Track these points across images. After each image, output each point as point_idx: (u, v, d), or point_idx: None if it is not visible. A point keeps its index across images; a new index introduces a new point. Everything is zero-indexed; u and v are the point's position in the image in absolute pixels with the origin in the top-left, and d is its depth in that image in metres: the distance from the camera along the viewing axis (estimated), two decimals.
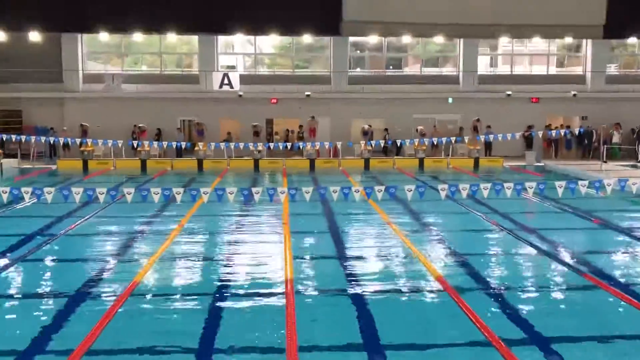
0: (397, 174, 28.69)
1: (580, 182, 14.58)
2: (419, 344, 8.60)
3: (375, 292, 10.86)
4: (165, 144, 31.27)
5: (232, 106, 37.31)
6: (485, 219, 17.39)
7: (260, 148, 31.82)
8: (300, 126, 37.36)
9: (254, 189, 14.35)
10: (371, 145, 31.59)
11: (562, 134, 31.35)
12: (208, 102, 37.09)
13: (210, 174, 29.19)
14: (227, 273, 12.08)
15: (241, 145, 30.82)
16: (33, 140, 30.50)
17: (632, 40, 38.76)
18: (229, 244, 14.58)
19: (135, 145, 32.23)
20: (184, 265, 12.62)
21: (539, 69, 39.92)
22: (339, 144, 32.55)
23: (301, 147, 33.21)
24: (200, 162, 31.94)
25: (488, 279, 11.69)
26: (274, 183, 25.94)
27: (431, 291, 10.87)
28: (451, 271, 12.13)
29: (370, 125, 36.94)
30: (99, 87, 36.49)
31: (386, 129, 37.44)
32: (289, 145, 32.39)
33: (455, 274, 11.95)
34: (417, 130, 36.47)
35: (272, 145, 32.68)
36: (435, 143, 30.81)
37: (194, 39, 37.44)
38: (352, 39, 37.51)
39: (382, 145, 32.27)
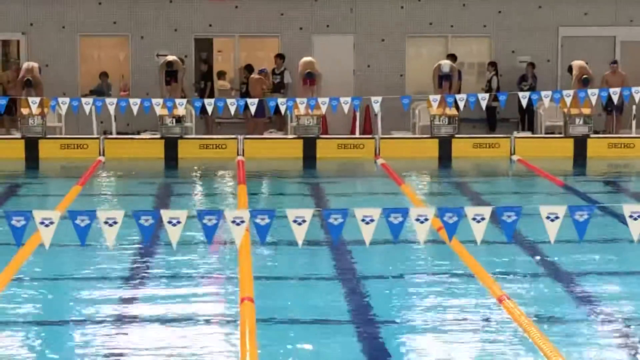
0: (520, 174, 21.53)
1: None
2: None
3: None
4: None
5: (108, 9, 26.91)
6: None
7: (180, 111, 22.24)
8: (280, 58, 25.75)
9: (166, 215, 8.91)
10: (457, 106, 22.26)
11: None
12: None
13: (55, 172, 21.92)
14: None
15: (134, 104, 21.22)
16: None
17: None
18: None
19: None
20: None
21: None
22: (375, 103, 21.87)
23: (283, 109, 22.30)
24: (31, 145, 23.26)
25: None
26: (217, 198, 19.16)
27: None
28: None
29: (454, 57, 24.96)
30: None
31: (493, 66, 25.79)
32: (251, 104, 21.70)
33: None
34: (570, 69, 24.86)
35: (210, 104, 21.83)
36: (615, 101, 21.42)
37: None
38: None
39: (487, 104, 23.02)
